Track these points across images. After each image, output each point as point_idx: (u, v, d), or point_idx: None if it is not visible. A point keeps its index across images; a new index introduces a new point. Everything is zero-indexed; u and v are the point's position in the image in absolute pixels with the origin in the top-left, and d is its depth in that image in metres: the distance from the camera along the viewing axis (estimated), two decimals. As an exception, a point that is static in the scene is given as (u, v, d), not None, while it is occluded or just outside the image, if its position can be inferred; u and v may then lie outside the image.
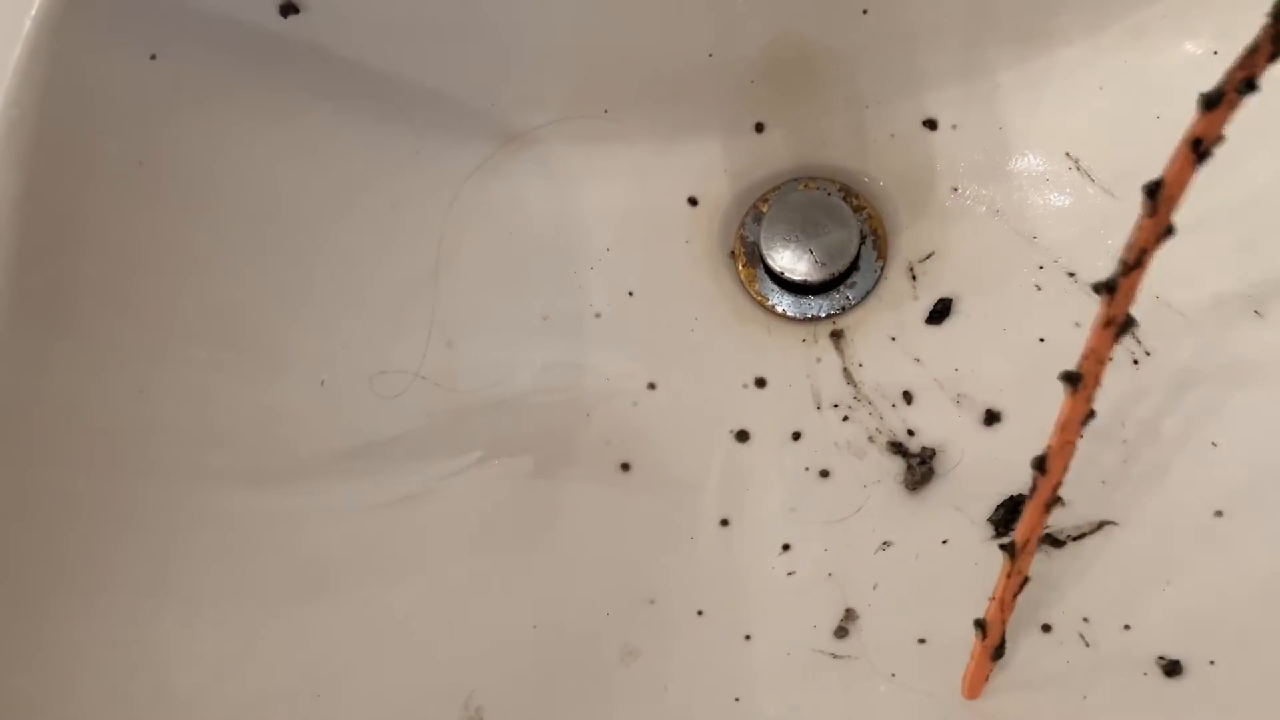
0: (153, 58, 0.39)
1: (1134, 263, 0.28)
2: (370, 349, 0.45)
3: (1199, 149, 0.27)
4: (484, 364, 0.46)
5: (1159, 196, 0.26)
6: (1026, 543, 0.33)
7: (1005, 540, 0.33)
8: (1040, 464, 0.31)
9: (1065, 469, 0.31)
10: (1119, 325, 0.28)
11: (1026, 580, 0.35)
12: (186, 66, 0.39)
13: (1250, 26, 0.40)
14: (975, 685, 0.37)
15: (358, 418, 0.44)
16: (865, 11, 0.43)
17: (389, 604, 0.42)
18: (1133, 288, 0.28)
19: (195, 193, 0.41)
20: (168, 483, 0.40)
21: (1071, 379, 0.29)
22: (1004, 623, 0.35)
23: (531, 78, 0.45)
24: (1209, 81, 0.42)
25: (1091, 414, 0.31)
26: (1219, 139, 0.25)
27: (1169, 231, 0.26)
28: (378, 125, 0.44)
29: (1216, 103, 0.27)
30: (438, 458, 0.44)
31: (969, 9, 0.43)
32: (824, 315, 0.46)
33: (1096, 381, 0.29)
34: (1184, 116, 0.43)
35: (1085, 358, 0.29)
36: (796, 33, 0.44)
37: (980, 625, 0.35)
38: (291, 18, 0.39)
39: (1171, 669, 0.36)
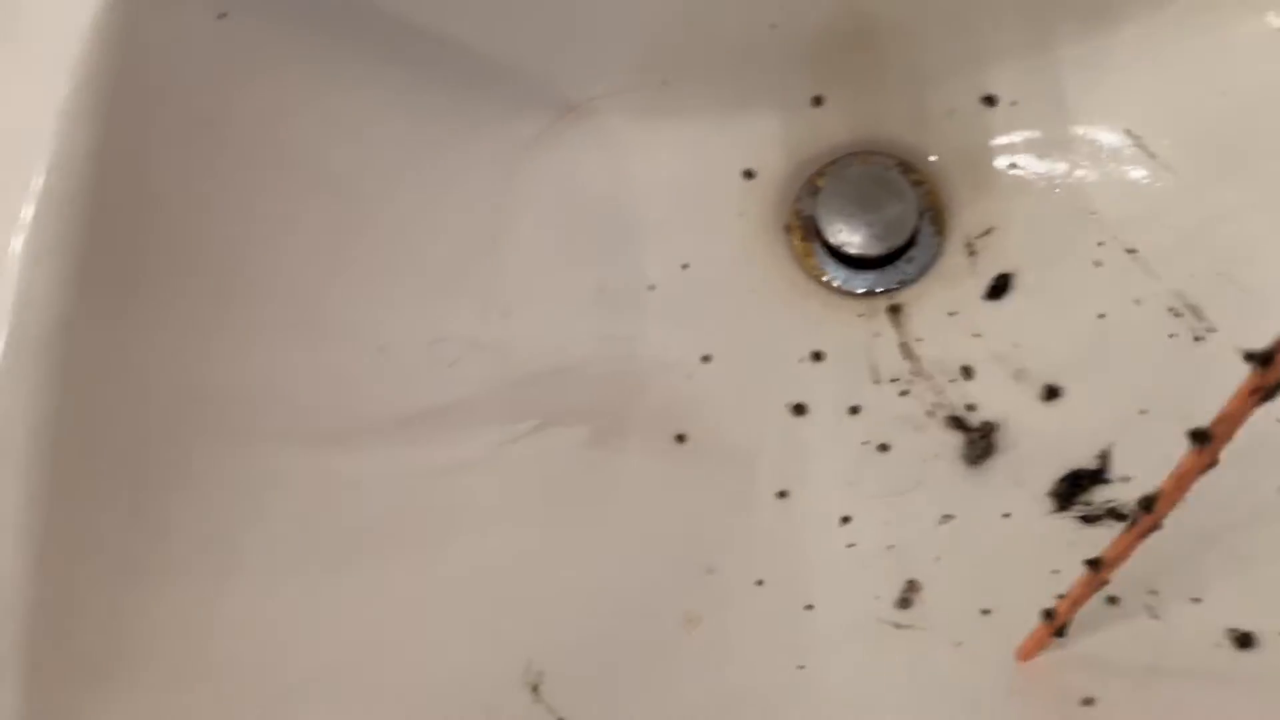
0: (222, 16, 0.38)
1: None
2: (428, 316, 0.44)
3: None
4: (540, 334, 0.45)
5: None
6: (1115, 561, 0.33)
7: (1092, 558, 0.33)
8: (1148, 504, 0.31)
9: (1172, 509, 0.31)
10: (1264, 393, 0.27)
11: (1104, 584, 0.34)
12: (254, 27, 0.39)
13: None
14: (1030, 653, 0.37)
15: (415, 384, 0.44)
16: (930, -17, 0.42)
17: (447, 570, 0.41)
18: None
19: (260, 156, 0.41)
20: (231, 443, 0.40)
21: (1200, 437, 0.29)
22: (1072, 614, 0.35)
23: (592, 48, 0.45)
24: (1273, 57, 0.42)
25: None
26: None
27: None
28: (441, 93, 0.44)
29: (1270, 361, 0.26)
30: (494, 425, 0.44)
31: (1034, -18, 0.43)
32: (881, 290, 0.46)
33: (1224, 443, 0.29)
34: (1248, 93, 0.43)
35: (1220, 421, 0.28)
36: (859, 5, 0.43)
37: (1048, 614, 0.35)
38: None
39: (1244, 641, 0.36)
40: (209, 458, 0.39)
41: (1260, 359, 0.26)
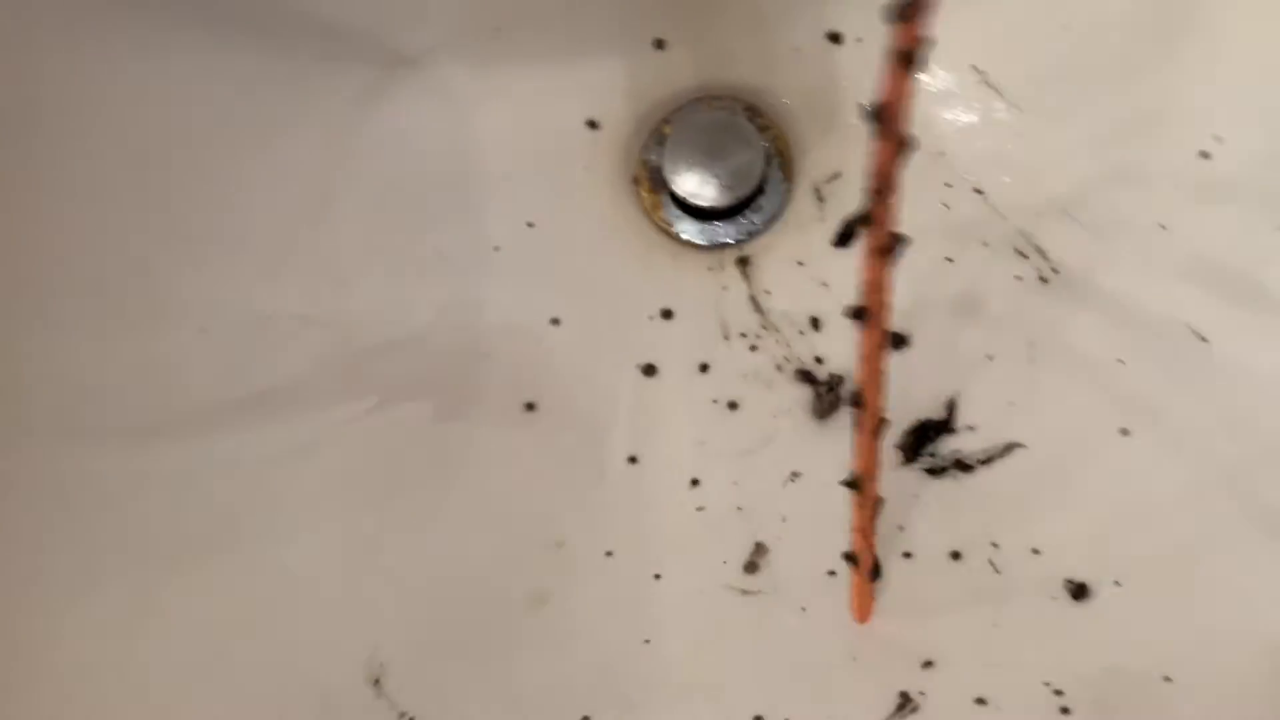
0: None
1: (880, 189, 0.26)
2: (256, 293, 0.42)
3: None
4: (377, 305, 0.44)
5: (883, 118, 0.24)
6: (867, 473, 0.32)
7: (848, 479, 0.32)
8: (856, 400, 0.30)
9: (881, 397, 0.30)
10: (888, 249, 0.27)
11: (881, 502, 0.34)
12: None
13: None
14: (864, 609, 0.37)
15: (244, 366, 0.42)
16: (762, -80, 0.40)
17: (287, 560, 0.40)
18: (886, 214, 0.26)
19: (62, 133, 0.38)
20: (42, 446, 0.38)
21: (858, 314, 0.28)
22: (871, 548, 0.35)
23: (413, -4, 0.42)
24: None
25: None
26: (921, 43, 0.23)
27: (905, 146, 0.25)
28: (254, 54, 0.41)
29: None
30: (332, 404, 0.42)
31: (870, -85, 0.41)
32: (731, 241, 0.45)
33: (883, 310, 0.28)
34: (1090, 27, 0.42)
35: (865, 291, 0.29)
36: (692, -56, 0.41)
37: (850, 558, 0.35)
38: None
39: (1078, 592, 0.36)
40: (19, 461, 0.37)
41: (861, 220, 0.28)
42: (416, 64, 0.44)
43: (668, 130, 0.46)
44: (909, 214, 0.44)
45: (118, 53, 0.39)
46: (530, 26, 0.44)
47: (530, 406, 0.43)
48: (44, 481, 0.37)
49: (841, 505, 0.40)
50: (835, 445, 0.42)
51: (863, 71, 0.45)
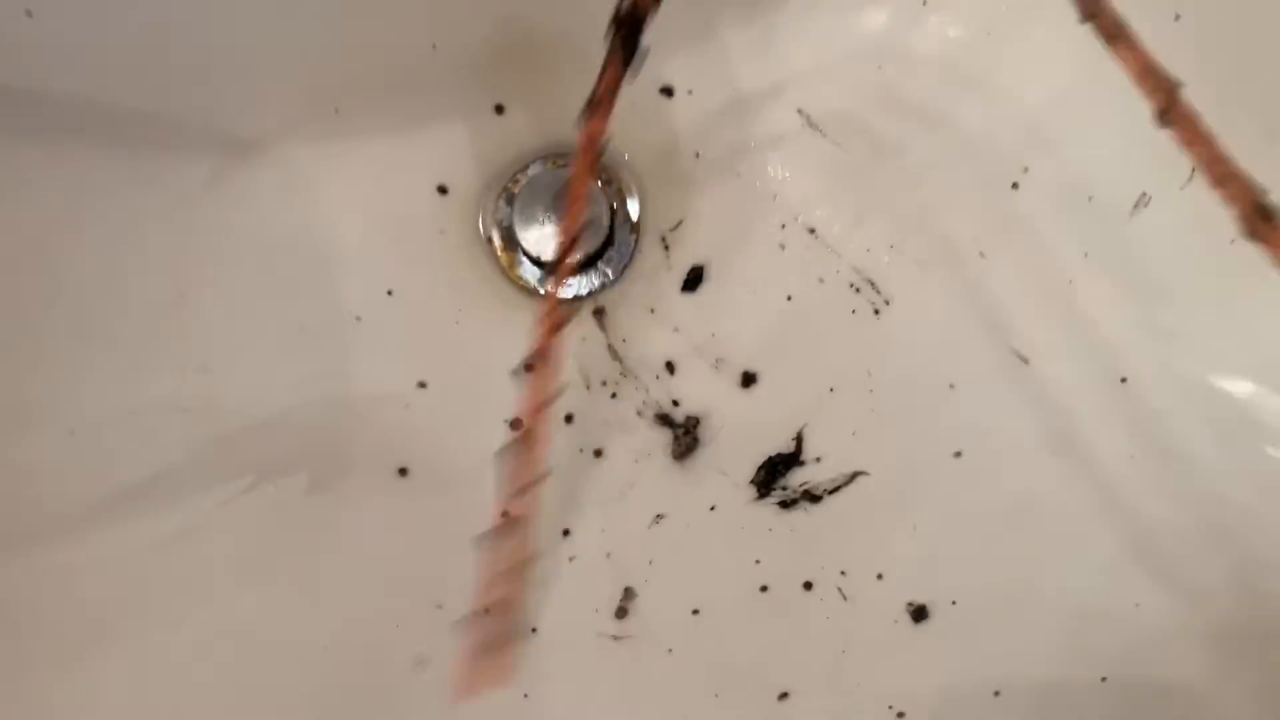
0: None
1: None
2: (120, 387, 0.43)
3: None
4: (243, 385, 0.45)
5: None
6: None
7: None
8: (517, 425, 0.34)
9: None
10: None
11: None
12: None
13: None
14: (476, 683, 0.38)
15: (115, 461, 0.42)
16: (580, -7, 0.42)
17: (173, 647, 0.41)
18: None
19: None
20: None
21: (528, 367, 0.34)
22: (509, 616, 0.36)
23: (248, 85, 0.43)
24: (921, 32, 0.43)
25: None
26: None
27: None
28: (88, 155, 0.42)
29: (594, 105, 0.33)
30: (205, 489, 0.43)
31: (684, -22, 0.43)
32: (585, 294, 0.47)
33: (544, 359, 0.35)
34: (902, 65, 0.44)
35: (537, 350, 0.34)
36: (516, 17, 0.43)
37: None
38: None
39: (919, 614, 0.39)
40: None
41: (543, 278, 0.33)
42: (260, 148, 0.45)
43: (516, 190, 0.47)
44: (750, 257, 0.46)
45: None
46: (369, 103, 0.45)
47: (403, 471, 0.45)
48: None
49: (702, 544, 0.43)
50: (694, 485, 0.44)
51: (697, 121, 0.47)
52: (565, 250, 0.32)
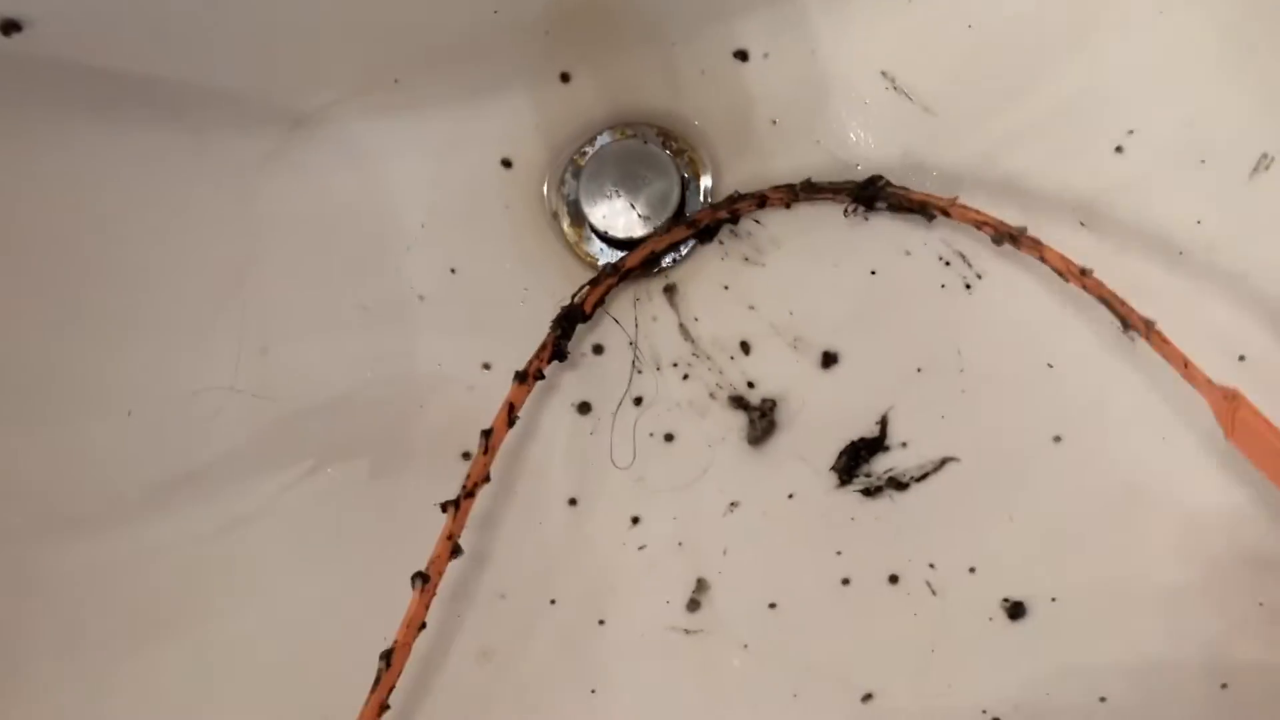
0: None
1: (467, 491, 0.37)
2: (179, 369, 0.42)
3: (512, 414, 0.38)
4: (304, 367, 0.43)
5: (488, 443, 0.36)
6: None
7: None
8: (387, 657, 0.35)
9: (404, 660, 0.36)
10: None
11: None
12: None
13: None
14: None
15: (174, 444, 0.42)
16: (650, -52, 0.40)
17: (231, 633, 0.40)
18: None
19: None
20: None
21: (421, 577, 0.36)
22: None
23: (307, 57, 0.42)
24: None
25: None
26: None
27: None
28: (148, 131, 0.41)
29: (524, 379, 0.38)
30: (266, 473, 0.42)
31: (761, -68, 0.40)
32: (655, 271, 0.45)
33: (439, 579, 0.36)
34: (993, 22, 0.41)
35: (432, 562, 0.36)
36: (581, -22, 0.41)
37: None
38: (15, 35, 0.36)
39: (1015, 611, 0.36)
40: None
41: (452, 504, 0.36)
42: (319, 122, 0.44)
43: (582, 162, 0.45)
44: (830, 228, 0.44)
45: (13, 149, 0.39)
46: (430, 73, 0.43)
47: (467, 455, 0.43)
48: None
49: (780, 533, 0.40)
50: (771, 471, 0.42)
51: (773, 86, 0.44)
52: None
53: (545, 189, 0.45)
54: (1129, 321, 0.35)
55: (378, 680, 0.34)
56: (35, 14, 0.35)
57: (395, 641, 0.35)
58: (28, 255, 0.39)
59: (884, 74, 0.43)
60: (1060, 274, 0.36)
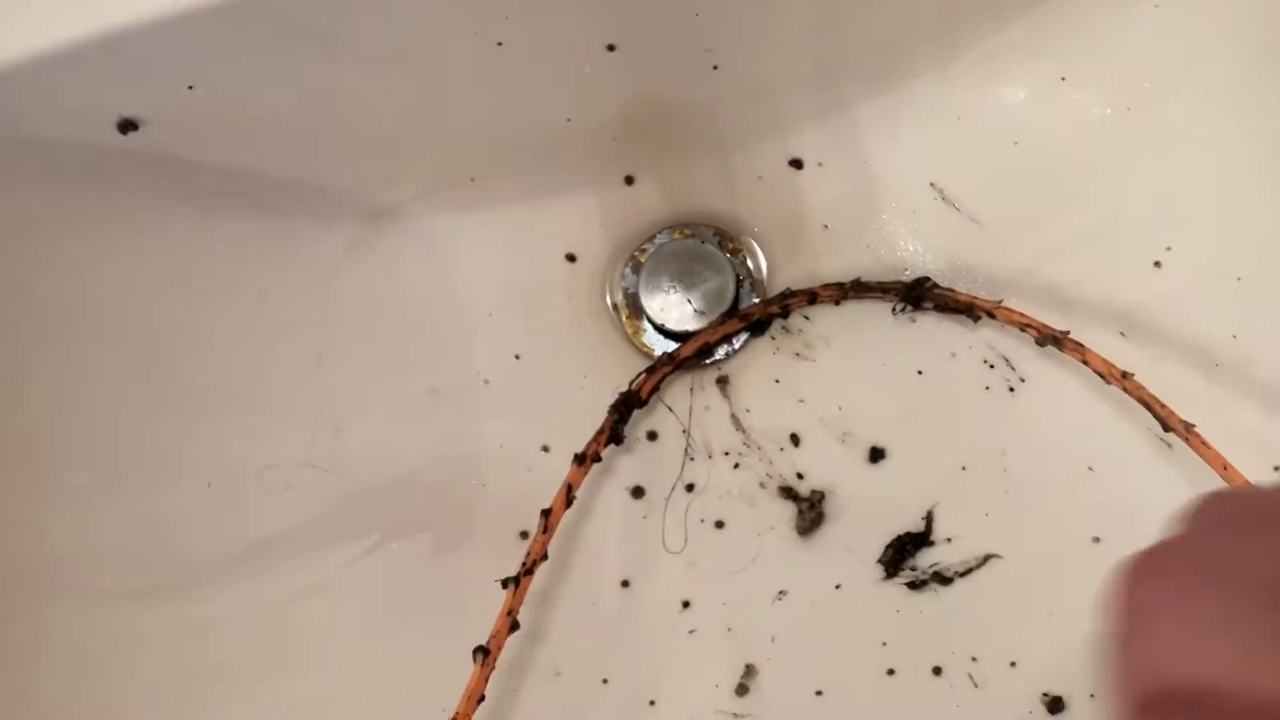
0: (-9, 189, 0.38)
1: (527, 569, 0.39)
2: (256, 444, 0.44)
3: (570, 494, 0.41)
4: (374, 445, 0.46)
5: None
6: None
7: None
8: None
9: None
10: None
11: None
12: (29, 194, 0.39)
13: (1095, 55, 0.41)
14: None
15: (249, 516, 0.44)
16: (715, 67, 0.42)
17: (297, 699, 0.42)
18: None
19: (57, 316, 0.41)
20: (71, 608, 0.40)
21: (484, 651, 0.38)
22: None
23: (391, 157, 0.45)
24: (1059, 107, 0.43)
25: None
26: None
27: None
28: (241, 220, 0.44)
29: (582, 461, 0.42)
30: (334, 546, 0.44)
31: (818, 52, 0.43)
32: (708, 362, 0.47)
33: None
34: (1039, 141, 0.44)
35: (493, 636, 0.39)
36: (650, 92, 0.43)
37: None
38: (132, 134, 0.39)
39: (1055, 706, 0.37)
40: (49, 628, 0.39)
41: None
42: (398, 215, 0.46)
43: (642, 259, 0.48)
44: (879, 329, 0.46)
45: (108, 230, 0.41)
46: (504, 174, 0.46)
47: (524, 535, 0.45)
48: (61, 645, 0.39)
49: (827, 622, 0.42)
50: (819, 561, 0.43)
51: (826, 193, 0.47)
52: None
53: (606, 283, 0.48)
54: (1169, 424, 0.37)
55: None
56: (151, 116, 0.38)
57: (456, 713, 0.37)
58: (125, 332, 0.42)
59: (933, 185, 0.46)
60: (1102, 376, 0.38)
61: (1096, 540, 0.40)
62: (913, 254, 0.45)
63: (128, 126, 0.39)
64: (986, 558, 0.41)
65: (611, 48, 0.40)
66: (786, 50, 0.43)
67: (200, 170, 0.42)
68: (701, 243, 0.47)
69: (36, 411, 0.40)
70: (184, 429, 0.43)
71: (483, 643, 0.39)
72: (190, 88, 0.37)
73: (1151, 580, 0.18)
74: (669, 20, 0.39)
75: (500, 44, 0.39)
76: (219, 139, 0.41)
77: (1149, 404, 0.37)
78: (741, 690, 0.41)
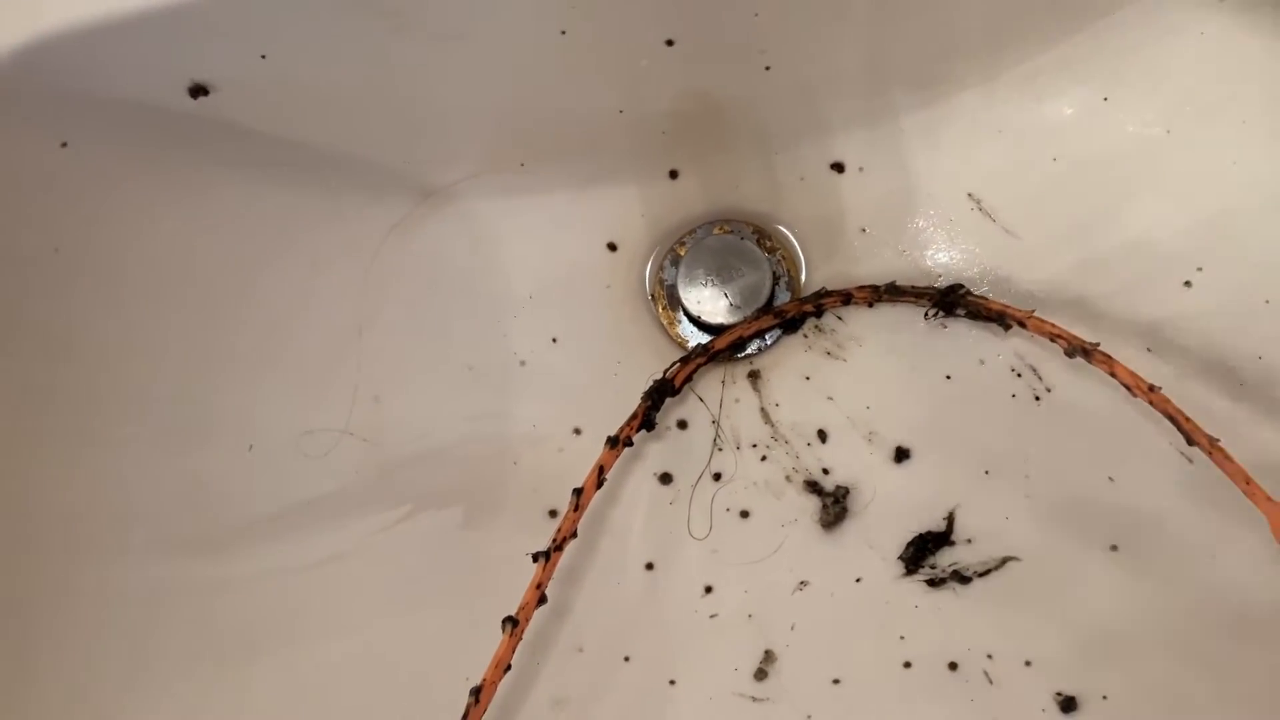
0: (64, 145, 0.39)
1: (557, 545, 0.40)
2: (296, 410, 0.45)
3: (601, 475, 0.42)
4: (411, 418, 0.47)
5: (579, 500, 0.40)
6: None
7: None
8: (476, 693, 0.38)
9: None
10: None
11: None
12: (98, 152, 0.40)
13: (1139, 78, 0.42)
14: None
15: (285, 479, 0.45)
16: (768, 68, 0.44)
17: (321, 664, 0.43)
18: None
19: (113, 273, 0.42)
20: (107, 561, 0.41)
21: (513, 622, 0.39)
22: None
23: (444, 137, 0.46)
24: (1100, 126, 0.44)
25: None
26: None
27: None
28: (293, 190, 0.45)
29: (614, 444, 0.42)
30: (366, 514, 0.45)
31: (868, 59, 0.44)
32: (740, 356, 0.48)
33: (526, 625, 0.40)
34: (1078, 158, 0.45)
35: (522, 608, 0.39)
36: (702, 89, 0.45)
37: None
38: (201, 99, 0.40)
39: (1067, 705, 0.38)
40: (86, 577, 0.40)
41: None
42: (447, 196, 0.47)
43: (682, 252, 0.49)
44: (910, 333, 0.47)
45: (161, 192, 0.43)
46: (553, 161, 0.47)
47: (553, 513, 0.46)
48: (95, 597, 0.40)
49: (846, 614, 0.43)
50: (841, 555, 0.44)
51: (865, 198, 0.48)
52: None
53: (646, 273, 0.49)
54: (1193, 438, 0.38)
55: (466, 715, 0.37)
56: (222, 82, 0.40)
57: (483, 679, 0.38)
58: (175, 291, 0.43)
59: (970, 195, 0.47)
60: (1129, 389, 0.39)
61: (1114, 549, 0.41)
62: (947, 262, 0.46)
63: (199, 91, 0.40)
64: (1005, 560, 0.42)
65: (670, 43, 0.41)
66: (837, 56, 0.44)
67: (258, 138, 0.43)
68: (740, 239, 0.48)
69: (87, 363, 0.41)
70: (228, 390, 0.44)
71: (511, 614, 0.40)
72: (263, 56, 0.38)
73: None
74: (730, 19, 0.41)
75: (563, 32, 0.40)
76: (281, 109, 0.42)
77: (1175, 417, 0.38)
78: (760, 675, 0.42)
